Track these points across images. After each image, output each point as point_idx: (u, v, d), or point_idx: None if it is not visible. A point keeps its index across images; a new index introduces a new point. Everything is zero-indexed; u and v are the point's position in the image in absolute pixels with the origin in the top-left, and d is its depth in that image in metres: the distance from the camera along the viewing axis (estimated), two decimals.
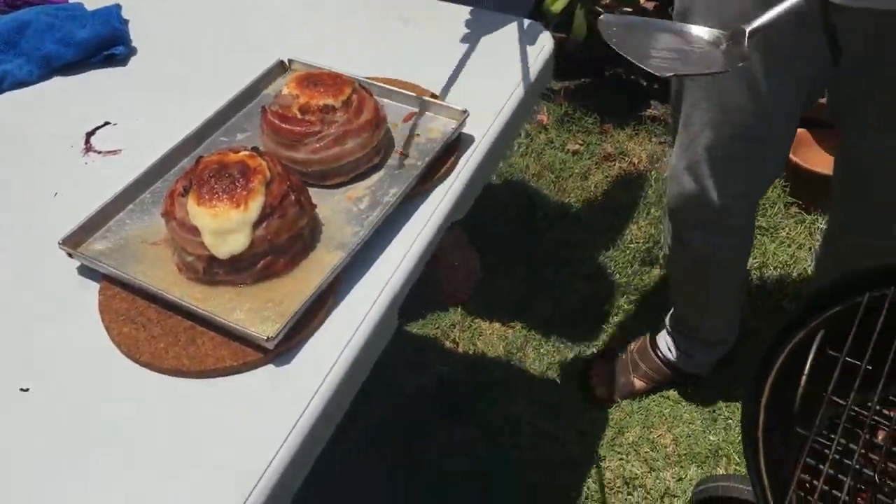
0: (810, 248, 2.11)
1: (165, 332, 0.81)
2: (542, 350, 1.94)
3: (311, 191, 0.91)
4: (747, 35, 0.85)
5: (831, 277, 1.00)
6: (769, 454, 0.88)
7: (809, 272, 2.06)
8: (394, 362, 1.87)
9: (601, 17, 0.89)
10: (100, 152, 1.04)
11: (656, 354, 1.83)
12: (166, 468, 0.71)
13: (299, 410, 0.75)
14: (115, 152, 1.04)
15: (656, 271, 2.08)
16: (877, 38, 1.15)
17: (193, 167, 0.85)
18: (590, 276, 2.10)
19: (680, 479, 1.69)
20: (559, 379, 1.89)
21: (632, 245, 2.15)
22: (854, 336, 0.95)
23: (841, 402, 0.92)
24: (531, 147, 2.45)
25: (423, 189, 0.95)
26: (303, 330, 0.80)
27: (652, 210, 2.23)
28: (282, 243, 0.84)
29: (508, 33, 1.18)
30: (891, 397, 0.97)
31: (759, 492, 0.84)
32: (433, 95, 1.06)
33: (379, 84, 1.04)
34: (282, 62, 1.10)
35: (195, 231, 0.81)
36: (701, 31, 0.89)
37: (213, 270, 0.83)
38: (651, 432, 1.77)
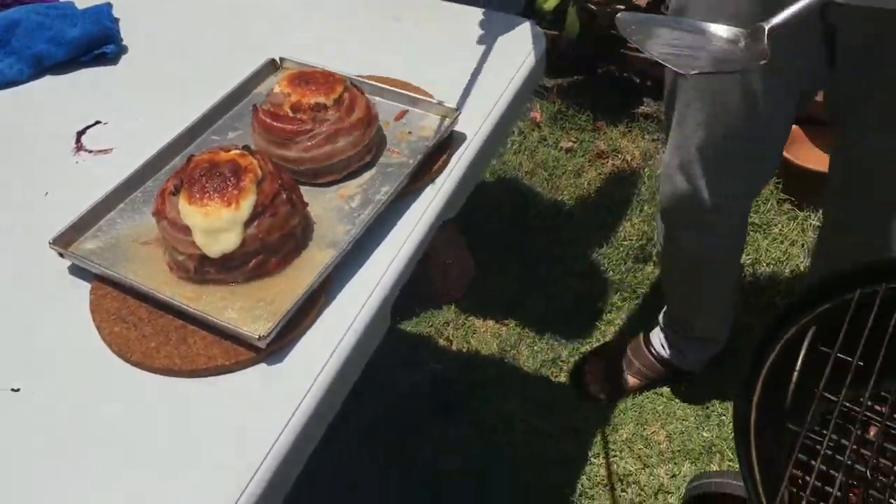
0: (803, 245, 2.12)
1: (157, 331, 0.80)
2: (535, 347, 1.94)
3: (303, 189, 0.91)
4: (767, 33, 0.84)
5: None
6: (761, 451, 0.88)
7: (802, 268, 2.07)
8: (387, 360, 1.87)
9: (618, 15, 0.88)
10: (91, 151, 1.03)
11: (650, 351, 1.83)
12: (166, 468, 0.71)
13: (291, 409, 0.75)
14: (106, 151, 1.03)
15: (649, 268, 2.09)
16: (877, 38, 1.15)
17: (184, 166, 0.85)
18: (583, 274, 2.10)
19: (674, 476, 1.70)
20: (553, 376, 1.89)
21: (625, 242, 2.15)
22: (845, 332, 0.95)
23: (832, 398, 0.92)
24: (524, 144, 2.45)
25: (415, 187, 0.95)
26: (295, 329, 0.80)
27: (645, 207, 2.23)
28: (273, 242, 0.84)
29: (501, 31, 1.18)
30: (882, 393, 0.98)
31: (751, 487, 0.84)
32: (425, 93, 1.06)
33: (371, 82, 1.04)
34: (273, 60, 1.10)
35: (186, 230, 0.81)
36: (719, 29, 0.88)
37: (205, 269, 0.83)
38: (645, 429, 1.78)
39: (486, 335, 1.97)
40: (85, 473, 0.71)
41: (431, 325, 1.99)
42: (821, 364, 0.94)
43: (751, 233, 2.11)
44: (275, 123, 0.92)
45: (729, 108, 1.30)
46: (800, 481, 0.91)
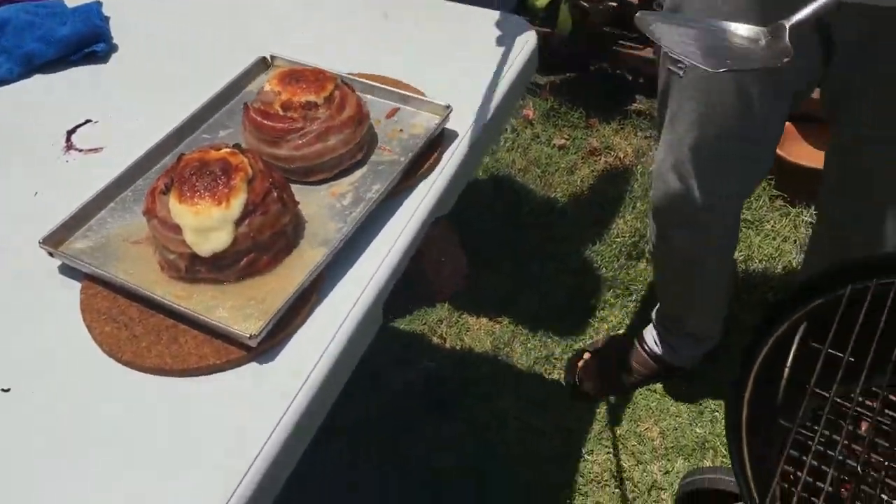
0: (795, 241, 2.12)
1: (147, 330, 0.80)
2: (529, 345, 1.94)
3: (295, 187, 0.91)
4: (788, 30, 0.84)
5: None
6: (753, 447, 0.88)
7: (794, 265, 2.07)
8: (381, 358, 1.87)
9: (637, 14, 0.88)
10: (81, 150, 1.03)
11: (643, 348, 1.83)
12: (166, 468, 0.71)
13: (283, 408, 0.75)
14: (96, 150, 1.03)
15: (642, 265, 2.09)
16: (871, 35, 1.15)
17: (174, 165, 0.85)
18: (576, 271, 2.10)
19: (667, 472, 1.70)
20: (546, 374, 1.90)
21: (618, 239, 2.16)
22: (836, 328, 0.95)
23: (824, 393, 0.93)
24: (517, 142, 2.45)
25: (407, 185, 0.95)
26: (286, 327, 0.80)
27: (638, 204, 2.24)
28: (264, 240, 0.84)
29: (492, 28, 1.18)
30: (873, 388, 0.98)
31: (743, 484, 0.85)
32: (417, 91, 1.06)
33: (362, 80, 1.04)
34: (264, 58, 1.10)
35: (177, 229, 0.81)
36: (739, 28, 0.88)
37: (196, 268, 0.83)
38: (638, 426, 1.78)
39: (479, 333, 1.97)
40: (85, 473, 0.71)
41: (425, 323, 1.99)
42: (812, 360, 0.94)
43: (743, 229, 2.11)
44: (265, 122, 0.92)
45: (723, 108, 1.30)
46: (791, 477, 0.92)
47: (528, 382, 1.88)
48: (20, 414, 0.76)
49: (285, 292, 0.81)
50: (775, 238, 2.14)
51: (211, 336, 0.79)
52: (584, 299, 2.04)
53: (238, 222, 0.81)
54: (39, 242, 0.86)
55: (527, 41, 1.15)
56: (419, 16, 1.22)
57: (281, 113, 0.93)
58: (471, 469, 1.71)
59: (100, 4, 1.23)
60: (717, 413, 1.78)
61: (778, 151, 2.10)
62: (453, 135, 1.01)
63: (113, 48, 1.19)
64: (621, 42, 2.56)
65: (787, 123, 2.12)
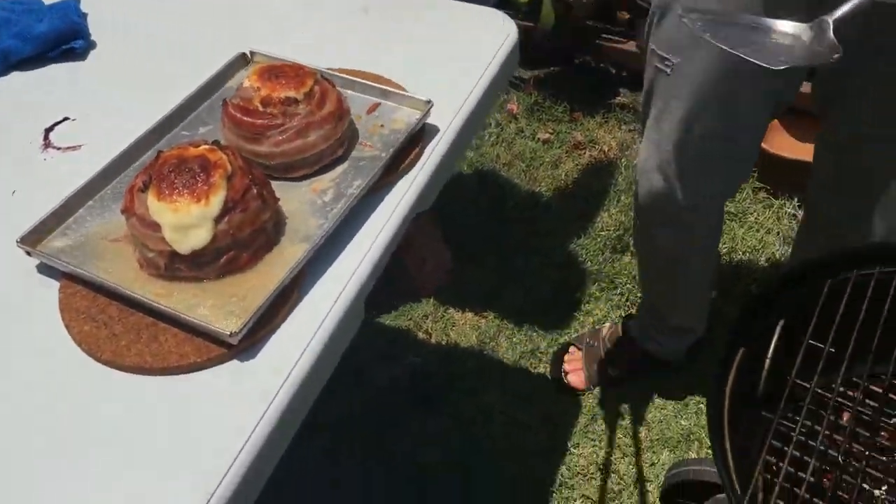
0: (778, 233, 2.14)
1: (127, 329, 0.80)
2: (514, 339, 1.94)
3: (275, 184, 0.91)
4: (832, 26, 0.84)
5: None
6: (734, 438, 0.89)
7: (778, 256, 2.08)
8: (366, 354, 1.86)
9: (681, 16, 0.88)
10: (59, 148, 1.02)
11: (627, 341, 1.84)
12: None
13: (264, 405, 0.74)
14: (74, 148, 1.02)
15: (627, 258, 2.09)
16: (867, 34, 1.14)
17: (153, 162, 0.84)
18: (561, 265, 2.10)
19: (653, 464, 1.71)
20: (532, 368, 1.90)
21: (602, 233, 2.16)
22: (817, 319, 0.96)
23: (805, 384, 0.93)
24: (501, 136, 2.45)
25: (388, 180, 0.95)
26: (267, 324, 0.80)
27: (622, 198, 2.24)
28: (245, 238, 0.83)
29: (473, 22, 1.18)
30: (854, 379, 0.99)
31: (725, 475, 0.85)
32: (397, 86, 1.05)
33: (342, 75, 1.03)
34: (244, 54, 1.09)
35: (156, 227, 0.80)
36: (782, 24, 0.87)
37: (175, 266, 0.82)
38: (624, 418, 1.78)
39: (464, 327, 1.97)
40: (85, 473, 0.71)
41: (410, 319, 1.99)
42: (793, 351, 0.95)
43: (727, 221, 2.12)
44: (245, 118, 0.92)
45: (710, 108, 1.29)
46: (774, 467, 0.92)
47: (513, 377, 1.88)
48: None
49: (266, 289, 0.80)
50: (758, 230, 2.15)
51: (191, 334, 0.79)
52: (568, 293, 2.04)
53: (217, 219, 0.81)
54: (17, 241, 0.85)
55: (508, 35, 1.15)
56: (400, 10, 1.21)
57: (260, 109, 0.92)
58: (456, 464, 1.71)
59: (77, 1, 1.22)
60: (701, 405, 1.79)
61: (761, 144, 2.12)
62: (434, 130, 1.00)
63: (91, 45, 1.18)
64: (605, 36, 2.56)
65: None
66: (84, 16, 1.21)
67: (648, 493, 1.67)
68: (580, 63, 2.66)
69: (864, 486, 0.93)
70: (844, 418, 0.99)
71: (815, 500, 0.88)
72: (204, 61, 1.07)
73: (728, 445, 0.87)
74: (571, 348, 1.89)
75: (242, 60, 1.09)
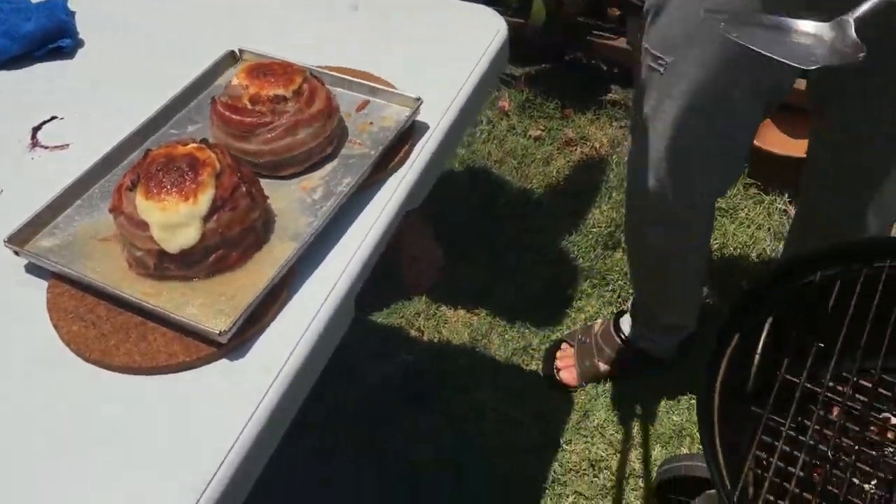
0: (769, 229, 2.14)
1: (116, 328, 0.79)
2: (506, 336, 1.95)
3: (264, 182, 0.90)
4: (853, 25, 0.83)
5: None
6: (725, 434, 0.89)
7: (769, 252, 2.09)
8: (358, 352, 1.86)
9: (704, 18, 0.87)
10: (47, 147, 1.02)
11: (619, 338, 1.84)
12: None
13: (254, 404, 0.74)
14: (62, 147, 1.02)
15: (618, 255, 2.10)
16: (888, 33, 1.14)
17: (141, 161, 0.84)
18: (553, 262, 2.10)
19: (645, 460, 1.71)
20: (524, 364, 1.90)
21: (594, 229, 2.16)
22: (806, 315, 0.96)
23: (794, 380, 0.94)
24: (493, 133, 2.45)
25: (378, 178, 0.94)
26: (257, 323, 0.79)
27: (613, 194, 2.24)
28: (234, 236, 0.83)
29: (463, 19, 1.18)
30: (843, 374, 0.99)
31: (715, 470, 0.85)
32: (387, 84, 1.05)
33: (331, 73, 1.03)
34: (233, 52, 1.09)
35: (144, 226, 0.80)
36: (804, 24, 0.87)
37: (164, 265, 0.82)
38: (616, 415, 1.79)
39: (456, 325, 1.97)
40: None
41: (402, 316, 1.99)
42: (783, 347, 0.95)
43: (718, 217, 2.13)
44: (233, 116, 0.91)
45: (705, 106, 1.29)
46: (764, 462, 0.92)
47: (505, 374, 1.88)
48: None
49: (255, 288, 0.80)
50: (749, 226, 2.16)
51: (181, 333, 0.79)
52: (560, 290, 2.04)
53: (206, 218, 0.81)
54: (4, 241, 0.85)
55: (497, 32, 1.15)
56: (389, 7, 1.21)
57: (249, 107, 0.91)
58: (448, 461, 1.71)
59: None
60: (693, 401, 1.79)
61: None
62: (424, 127, 1.00)
63: (79, 43, 1.18)
64: (595, 32, 2.56)
65: None
66: (72, 14, 1.20)
67: (641, 489, 1.67)
68: (571, 60, 2.66)
69: (854, 480, 0.94)
70: (834, 413, 0.99)
71: (804, 494, 0.89)
72: (192, 60, 1.07)
73: (718, 441, 0.88)
74: (563, 345, 1.89)
75: (231, 58, 1.09)
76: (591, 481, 1.69)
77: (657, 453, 1.72)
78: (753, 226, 2.15)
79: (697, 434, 1.72)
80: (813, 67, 0.84)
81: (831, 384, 0.96)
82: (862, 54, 0.82)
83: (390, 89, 1.03)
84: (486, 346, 1.93)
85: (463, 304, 2.01)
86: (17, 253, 0.85)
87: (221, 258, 0.83)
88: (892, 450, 0.99)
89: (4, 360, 0.79)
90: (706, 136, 1.33)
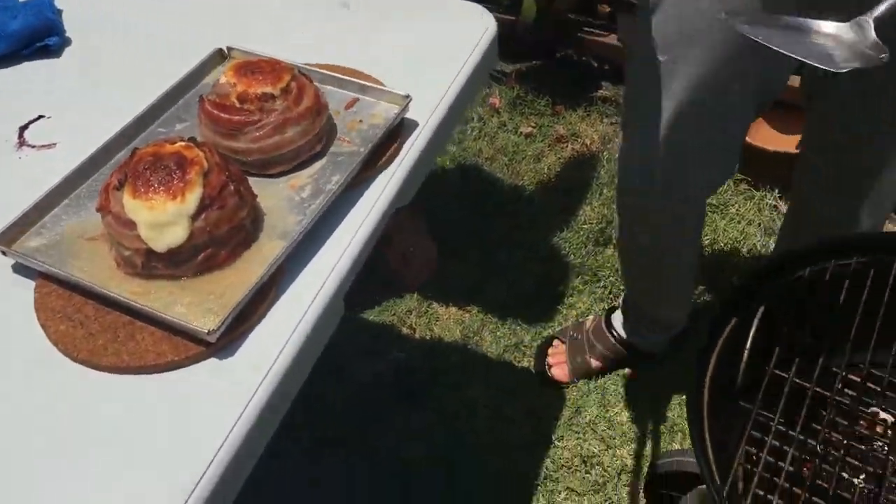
0: (760, 224, 2.15)
1: (104, 328, 0.79)
2: (498, 333, 1.95)
3: (253, 180, 0.90)
4: (872, 25, 0.83)
5: None
6: (714, 429, 0.89)
7: (759, 247, 2.09)
8: (350, 350, 1.86)
9: (725, 19, 0.87)
10: (34, 146, 1.01)
11: (611, 334, 1.84)
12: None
13: (243, 403, 0.74)
14: (49, 146, 1.01)
15: (610, 251, 2.10)
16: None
17: (128, 160, 0.83)
18: (544, 258, 2.11)
19: (637, 456, 1.71)
20: (515, 361, 1.90)
21: (585, 226, 2.16)
22: (796, 310, 0.96)
23: (783, 375, 0.94)
24: (484, 130, 2.45)
25: (367, 176, 0.94)
26: (246, 322, 0.79)
27: (604, 191, 2.25)
28: (222, 235, 0.83)
29: (452, 16, 1.18)
30: (833, 368, 0.99)
31: (704, 465, 0.86)
32: (376, 81, 1.05)
33: (319, 70, 1.03)
34: (221, 50, 1.08)
35: (131, 225, 0.80)
36: (823, 25, 0.86)
37: (152, 264, 0.81)
38: (608, 411, 1.79)
39: (448, 322, 1.97)
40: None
41: (394, 314, 1.99)
42: (772, 341, 0.96)
43: (708, 213, 2.13)
44: (221, 114, 0.91)
45: (692, 104, 1.28)
46: (753, 457, 0.93)
47: (497, 370, 1.88)
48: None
49: (244, 286, 0.80)
50: (740, 221, 2.16)
51: (169, 333, 0.78)
52: (552, 286, 2.05)
53: (194, 217, 0.80)
54: None
55: (486, 29, 1.15)
56: (379, 5, 1.21)
57: (237, 105, 0.91)
58: (440, 458, 1.71)
59: None
60: (684, 396, 1.80)
61: None
62: (413, 124, 1.00)
63: (66, 42, 1.17)
64: (586, 29, 2.56)
65: None
66: (59, 12, 1.20)
67: (632, 484, 1.68)
68: (562, 56, 2.66)
69: (844, 474, 0.94)
70: (823, 408, 1.00)
71: (794, 489, 0.89)
72: (180, 58, 1.07)
73: (708, 436, 0.88)
74: (555, 341, 1.90)
75: (219, 56, 1.08)
76: (583, 477, 1.69)
77: (649, 449, 1.72)
78: (744, 221, 2.16)
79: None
80: (844, 70, 0.83)
81: (820, 379, 0.96)
82: (884, 55, 0.81)
83: (379, 87, 1.02)
84: (478, 344, 1.93)
85: (454, 301, 2.01)
86: (4, 253, 0.85)
87: (210, 257, 0.82)
88: (880, 444, 0.99)
89: None
90: (707, 131, 1.32)
